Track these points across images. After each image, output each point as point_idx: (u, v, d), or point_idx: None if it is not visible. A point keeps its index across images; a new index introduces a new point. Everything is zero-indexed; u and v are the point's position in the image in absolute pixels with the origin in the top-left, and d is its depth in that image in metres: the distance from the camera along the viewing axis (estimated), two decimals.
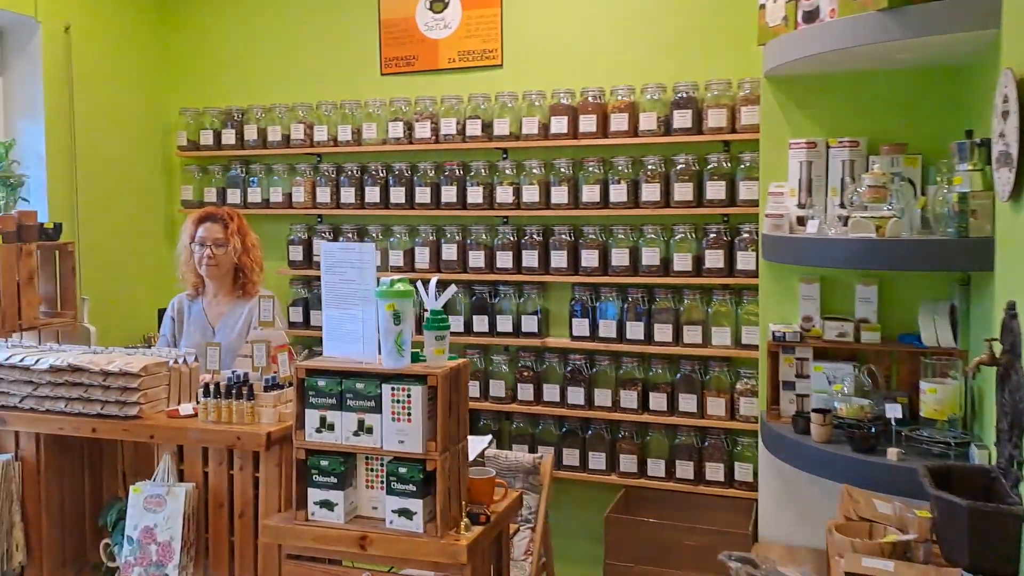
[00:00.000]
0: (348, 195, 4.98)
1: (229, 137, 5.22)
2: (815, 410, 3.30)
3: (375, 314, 2.67)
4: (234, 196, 5.26)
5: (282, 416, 2.96)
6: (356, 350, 2.76)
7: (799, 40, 3.28)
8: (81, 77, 4.91)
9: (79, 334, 4.60)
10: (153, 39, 5.50)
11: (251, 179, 5.25)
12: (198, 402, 3.01)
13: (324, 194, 5.03)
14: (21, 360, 2.98)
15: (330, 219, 5.21)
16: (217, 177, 5.34)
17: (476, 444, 3.31)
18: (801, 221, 3.49)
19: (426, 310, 2.71)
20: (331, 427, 2.65)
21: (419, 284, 2.81)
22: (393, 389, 2.58)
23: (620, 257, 4.51)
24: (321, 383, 2.67)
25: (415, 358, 2.70)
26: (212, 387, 2.97)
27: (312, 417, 2.67)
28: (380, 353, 2.66)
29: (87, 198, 4.94)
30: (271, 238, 5.09)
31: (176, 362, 3.19)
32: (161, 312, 5.30)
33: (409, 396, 2.57)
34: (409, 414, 2.58)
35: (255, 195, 5.22)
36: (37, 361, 2.97)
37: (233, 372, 3.08)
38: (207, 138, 5.28)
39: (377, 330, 2.67)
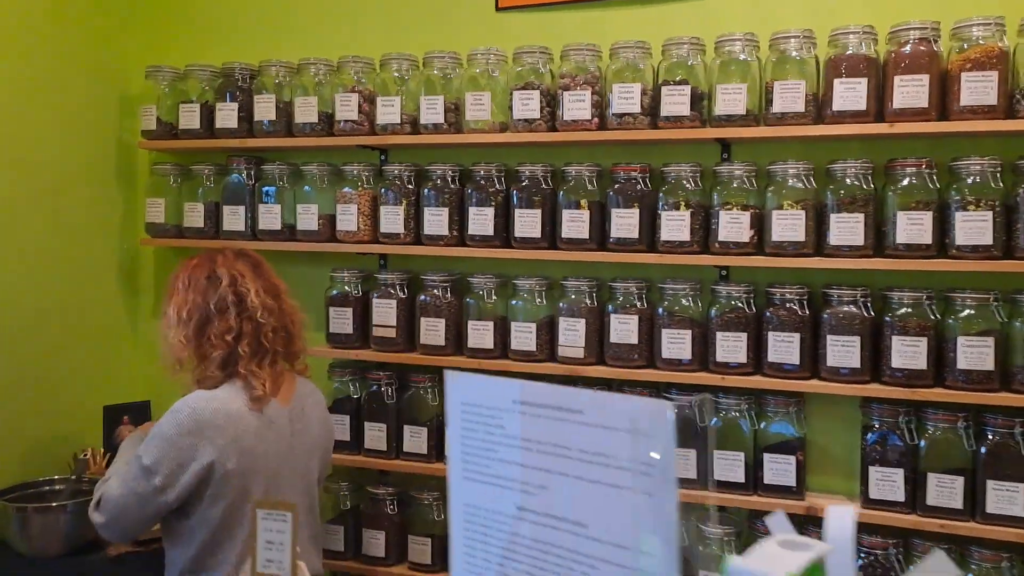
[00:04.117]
0: (436, 221, 2.96)
1: (229, 117, 3.21)
2: None
3: None
4: (235, 219, 3.25)
5: None
6: None
7: None
8: None
9: None
10: None
11: (264, 189, 3.24)
12: None
13: (393, 218, 3.01)
14: None
15: (400, 262, 3.20)
16: (208, 185, 3.33)
17: None
18: None
19: None
20: None
21: None
22: None
23: (977, 354, 2.44)
24: None
25: None
26: None
27: None
28: None
29: None
30: (300, 291, 3.04)
31: None
32: (111, 411, 3.35)
33: None
34: None
35: (271, 218, 3.21)
36: None
37: None
38: (190, 118, 3.27)
39: None
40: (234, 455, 2.31)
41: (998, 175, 2.47)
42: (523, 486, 1.16)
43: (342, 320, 3.11)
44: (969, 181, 2.49)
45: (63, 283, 3.35)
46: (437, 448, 3.02)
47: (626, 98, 2.75)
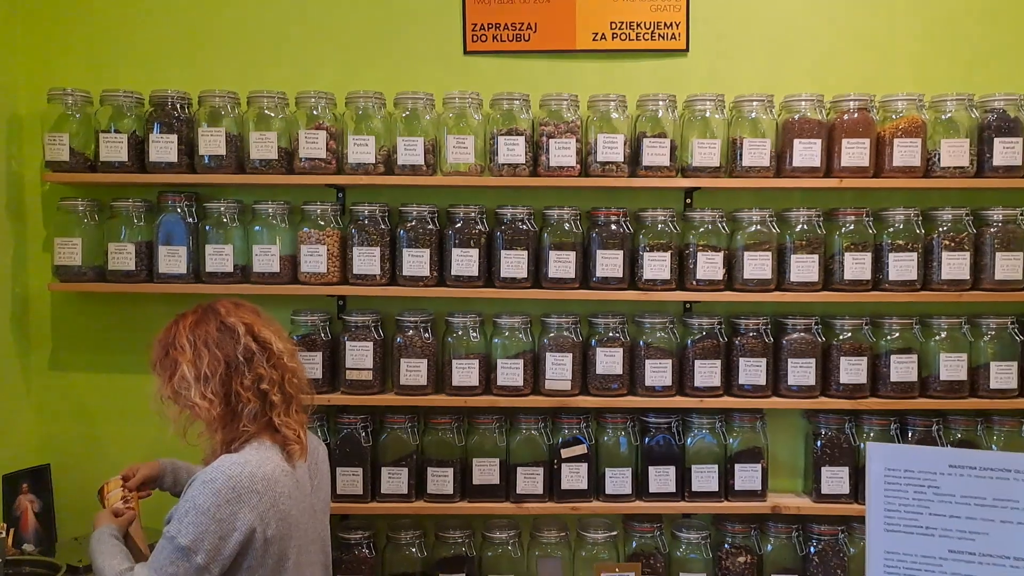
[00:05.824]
0: (417, 262, 3.00)
1: (165, 150, 2.95)
2: None
3: None
4: (173, 261, 3.00)
5: None
6: None
7: None
8: None
9: None
10: None
11: (208, 228, 3.03)
12: None
13: (368, 259, 2.99)
14: None
15: (359, 303, 3.17)
16: (137, 224, 3.04)
17: None
18: None
19: None
20: None
21: None
22: None
23: (903, 369, 3.04)
24: None
25: None
26: None
27: None
28: None
29: None
30: None
31: None
32: (10, 480, 2.97)
33: None
34: None
35: (221, 260, 3.01)
36: None
37: None
38: (115, 149, 2.96)
39: None
40: (273, 521, 2.24)
41: (918, 222, 3.06)
42: (959, 534, 1.52)
43: (309, 364, 3.01)
44: (896, 227, 3.05)
45: None
46: (417, 487, 3.07)
47: (611, 147, 2.98)
